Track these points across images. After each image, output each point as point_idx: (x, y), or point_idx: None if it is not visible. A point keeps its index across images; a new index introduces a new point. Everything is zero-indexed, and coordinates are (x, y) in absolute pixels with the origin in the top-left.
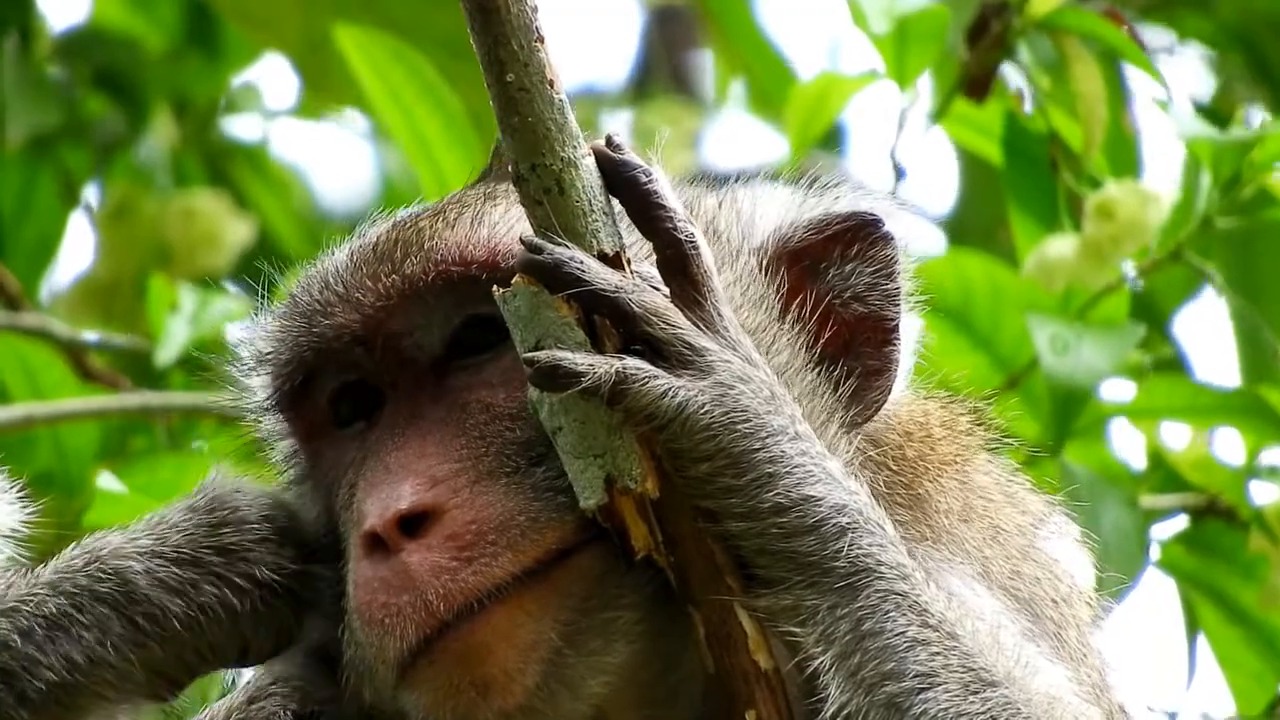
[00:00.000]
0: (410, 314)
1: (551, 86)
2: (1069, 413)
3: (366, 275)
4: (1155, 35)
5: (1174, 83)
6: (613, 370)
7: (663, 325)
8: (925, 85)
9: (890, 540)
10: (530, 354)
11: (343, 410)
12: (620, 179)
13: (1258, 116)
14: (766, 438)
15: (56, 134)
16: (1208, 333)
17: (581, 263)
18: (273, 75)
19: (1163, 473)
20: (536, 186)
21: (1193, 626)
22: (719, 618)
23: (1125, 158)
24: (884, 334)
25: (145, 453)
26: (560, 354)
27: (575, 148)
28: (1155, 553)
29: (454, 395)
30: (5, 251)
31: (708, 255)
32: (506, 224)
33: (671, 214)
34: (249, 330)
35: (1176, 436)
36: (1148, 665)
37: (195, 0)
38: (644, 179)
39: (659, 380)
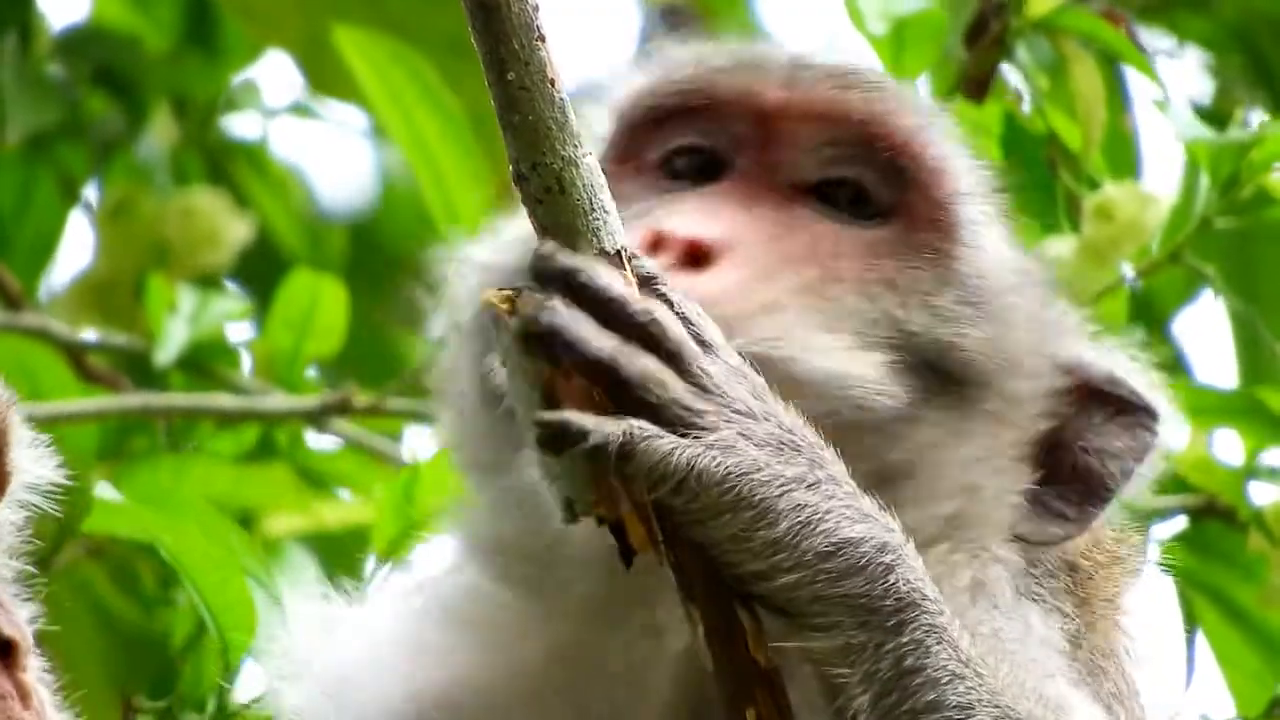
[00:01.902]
0: (819, 133)
1: (552, 85)
2: None
3: (811, 74)
4: (1155, 37)
5: (1173, 84)
6: (619, 431)
7: (657, 393)
8: (923, 86)
9: (924, 573)
10: (541, 415)
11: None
12: (557, 287)
13: (1258, 118)
14: (784, 485)
15: (55, 132)
16: (1207, 334)
17: (574, 329)
18: (274, 73)
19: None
20: (537, 185)
21: (1191, 626)
22: (718, 614)
23: (1124, 159)
24: (1096, 496)
25: (145, 453)
26: (570, 415)
27: (576, 147)
28: (1154, 552)
29: (794, 217)
30: (4, 250)
31: (674, 327)
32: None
33: (619, 303)
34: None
35: (1175, 437)
36: (1149, 666)
37: None
38: (575, 278)
39: (664, 439)
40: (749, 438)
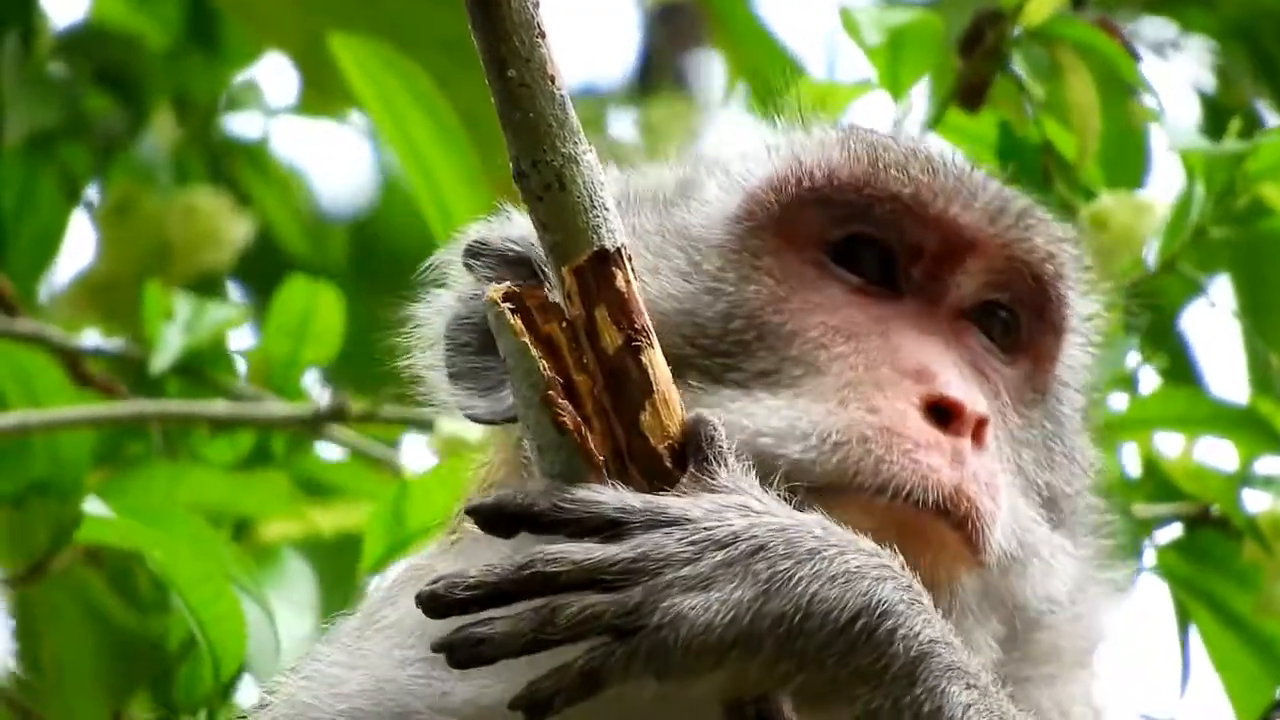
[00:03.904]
0: (993, 260)
1: (552, 82)
2: None
3: (993, 200)
4: (1159, 29)
5: (1178, 78)
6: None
7: (649, 577)
8: (920, 95)
9: (930, 608)
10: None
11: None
12: (513, 530)
13: (1262, 111)
14: (751, 603)
15: (57, 132)
16: (1203, 342)
17: (556, 558)
18: (274, 73)
19: (1156, 481)
20: (537, 182)
21: (1187, 633)
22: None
23: (1132, 164)
24: None
25: (140, 460)
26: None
27: (576, 144)
28: (1150, 560)
29: (969, 344)
30: (6, 249)
31: (623, 504)
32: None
33: (570, 517)
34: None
35: (1170, 445)
36: (1143, 672)
37: None
38: (527, 515)
39: (691, 598)
40: (691, 578)
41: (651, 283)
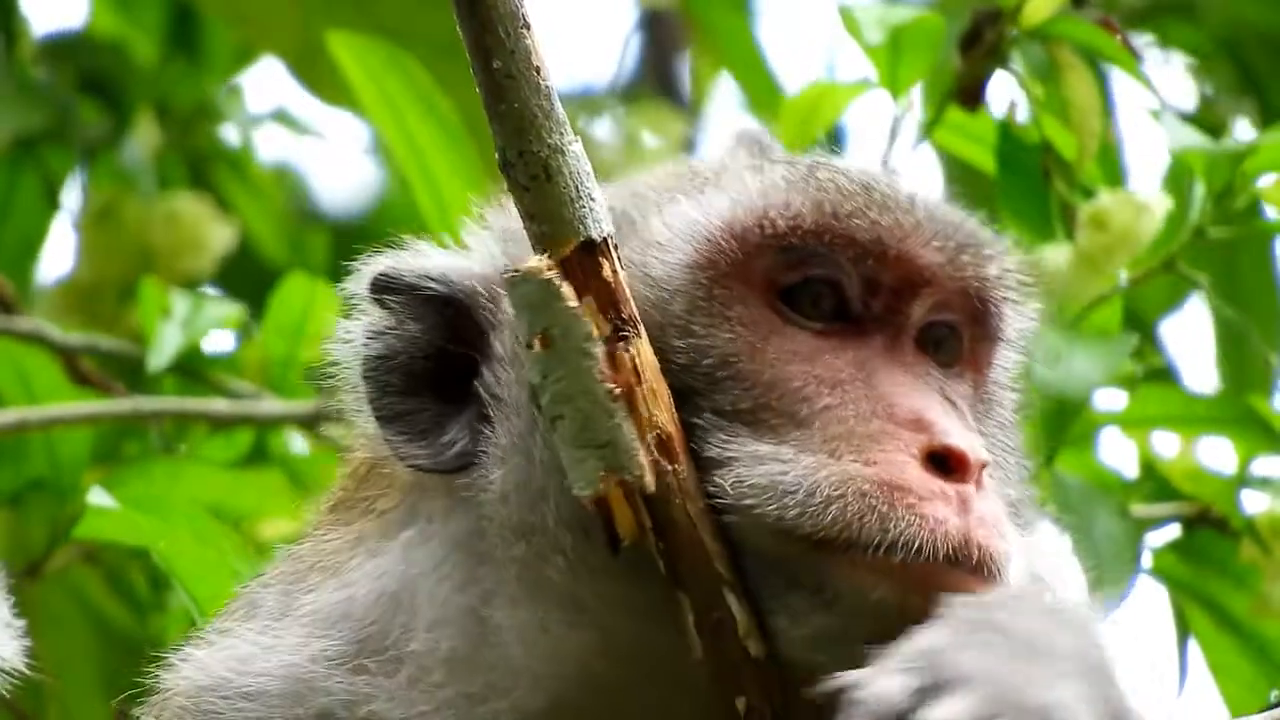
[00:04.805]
0: (943, 287)
1: (538, 73)
2: (1062, 424)
3: (950, 235)
4: (1141, 44)
5: (1162, 92)
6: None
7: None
8: (919, 94)
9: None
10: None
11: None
12: None
13: (1243, 128)
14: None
15: (40, 136)
16: (1193, 341)
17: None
18: (262, 79)
19: (1154, 482)
20: (523, 173)
21: (1184, 634)
22: (708, 603)
23: (1110, 169)
24: None
25: (138, 458)
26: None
27: (562, 135)
28: (1147, 561)
29: (931, 373)
30: None
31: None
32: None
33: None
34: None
35: (1168, 445)
36: (1140, 672)
37: (181, 4)
38: None
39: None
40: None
41: None
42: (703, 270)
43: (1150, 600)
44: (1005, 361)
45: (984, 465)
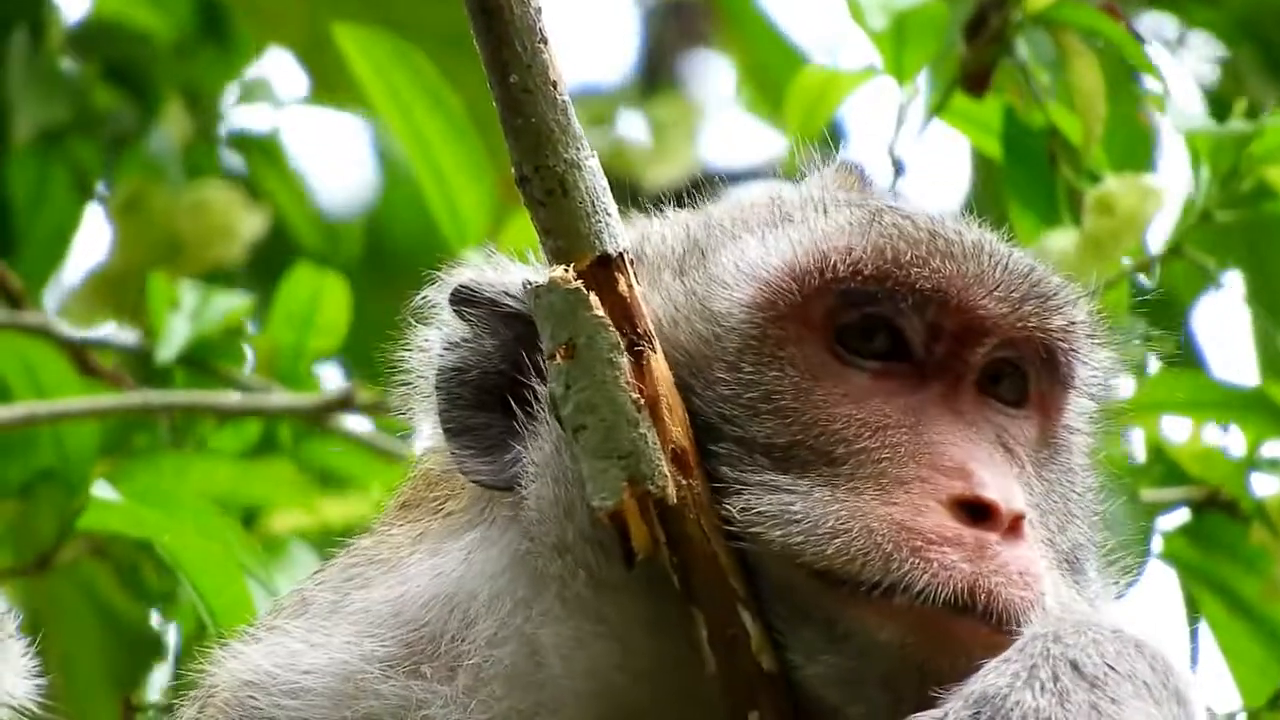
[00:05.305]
0: (1006, 336)
1: (555, 88)
2: None
3: (1014, 285)
4: (1163, 26)
5: (1182, 74)
6: None
7: None
8: (924, 80)
9: None
10: None
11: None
12: None
13: (1267, 107)
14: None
15: (67, 128)
16: (1211, 329)
17: None
18: (280, 69)
19: (1164, 466)
20: (539, 188)
21: (1194, 618)
22: (722, 618)
23: (1140, 152)
24: None
25: (147, 451)
26: None
27: (579, 149)
28: (1157, 545)
29: (991, 419)
30: (19, 244)
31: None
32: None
33: None
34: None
35: (1178, 430)
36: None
37: None
38: None
39: None
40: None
41: (670, 332)
42: (761, 310)
43: (1160, 584)
44: (1076, 407)
45: (1018, 516)
